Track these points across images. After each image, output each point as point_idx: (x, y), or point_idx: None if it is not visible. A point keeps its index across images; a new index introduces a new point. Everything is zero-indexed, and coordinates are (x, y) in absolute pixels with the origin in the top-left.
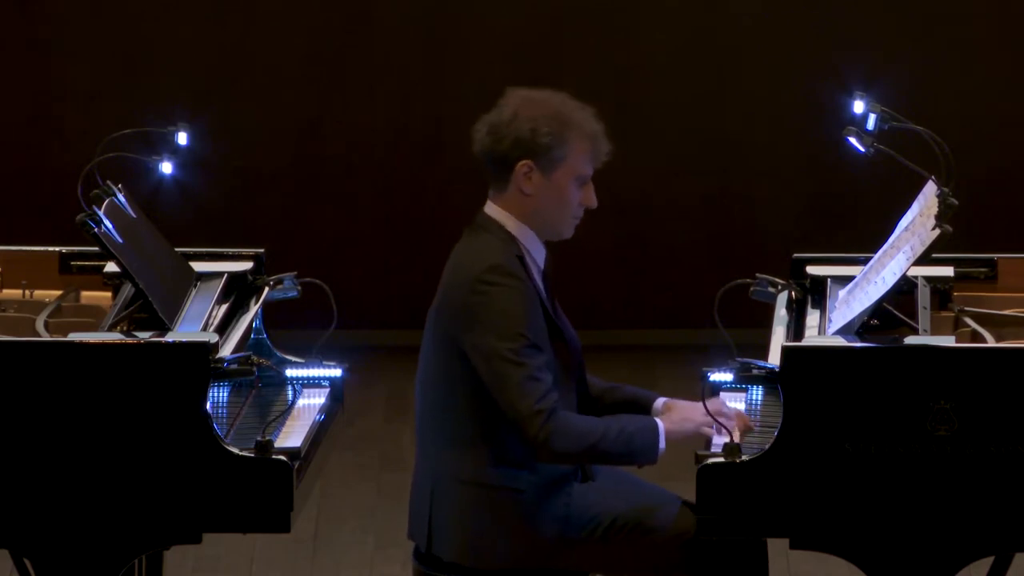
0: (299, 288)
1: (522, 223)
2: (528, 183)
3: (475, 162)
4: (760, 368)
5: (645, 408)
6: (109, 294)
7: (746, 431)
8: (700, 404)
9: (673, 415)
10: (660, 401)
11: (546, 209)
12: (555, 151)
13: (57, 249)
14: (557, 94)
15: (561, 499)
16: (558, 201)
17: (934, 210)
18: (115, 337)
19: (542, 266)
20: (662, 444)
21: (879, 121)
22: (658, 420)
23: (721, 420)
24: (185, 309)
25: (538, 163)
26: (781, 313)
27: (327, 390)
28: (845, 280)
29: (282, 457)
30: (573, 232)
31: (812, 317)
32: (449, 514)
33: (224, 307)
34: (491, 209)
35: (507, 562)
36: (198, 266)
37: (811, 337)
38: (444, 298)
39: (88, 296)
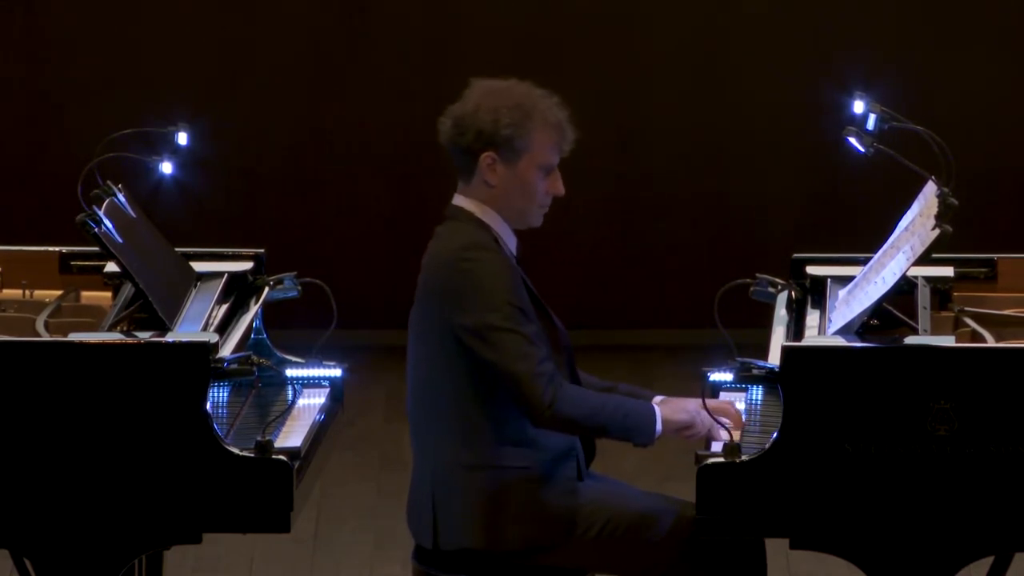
0: (299, 288)
1: (491, 211)
2: (492, 174)
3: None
4: (760, 368)
5: None
6: (109, 294)
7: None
8: (696, 399)
9: (671, 402)
10: (656, 400)
11: (512, 199)
12: (517, 142)
13: (57, 249)
14: (520, 83)
15: (567, 473)
16: (523, 191)
17: (934, 210)
18: (115, 337)
19: (515, 252)
20: (658, 427)
21: (879, 121)
22: (654, 405)
23: (720, 419)
24: (185, 309)
25: (501, 154)
26: (781, 313)
27: (327, 390)
28: (845, 280)
29: (282, 457)
30: (541, 221)
31: (812, 317)
32: (455, 503)
33: (224, 307)
34: (460, 200)
35: (519, 543)
36: (198, 266)
37: (811, 337)
38: (426, 286)
39: (88, 296)
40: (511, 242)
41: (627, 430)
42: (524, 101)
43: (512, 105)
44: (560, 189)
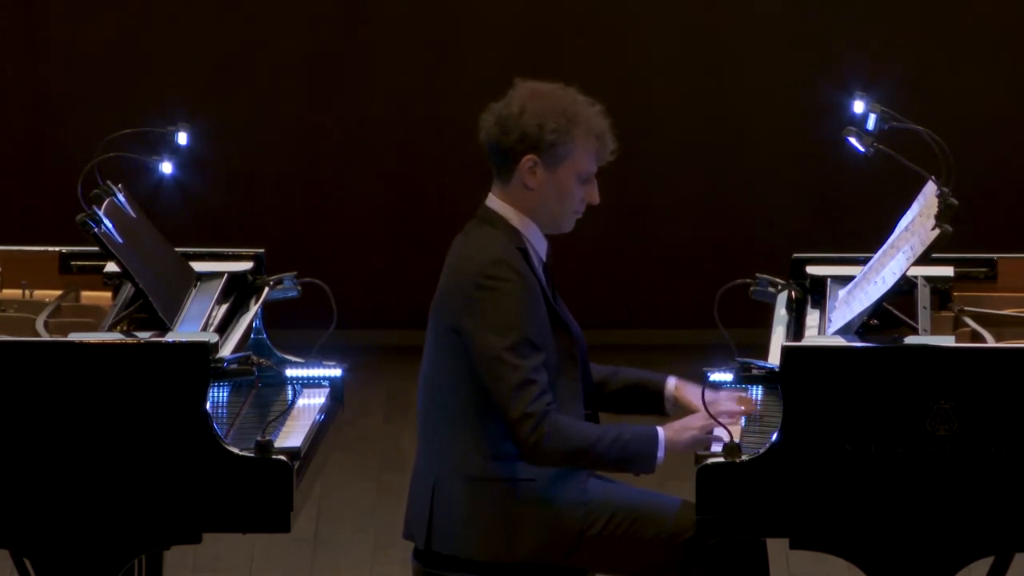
0: (299, 288)
1: (524, 216)
2: (532, 177)
3: (479, 152)
4: (760, 368)
5: (654, 392)
6: (109, 294)
7: (747, 409)
8: (703, 405)
9: (675, 423)
10: (672, 383)
11: (548, 204)
12: (560, 148)
13: (57, 249)
14: (567, 89)
15: (574, 486)
16: (560, 196)
17: (934, 210)
18: (115, 337)
19: (544, 258)
20: (661, 453)
21: (879, 121)
22: (659, 428)
23: (720, 419)
24: (185, 309)
25: (543, 158)
26: (781, 313)
27: (327, 390)
28: (845, 280)
29: (282, 457)
30: (573, 226)
31: (812, 317)
32: (455, 511)
33: (224, 307)
34: (493, 202)
35: (520, 554)
36: (198, 266)
37: (811, 337)
38: (446, 291)
39: (88, 296)
40: (541, 248)
41: (625, 462)
42: (571, 108)
43: (559, 111)
44: (595, 198)
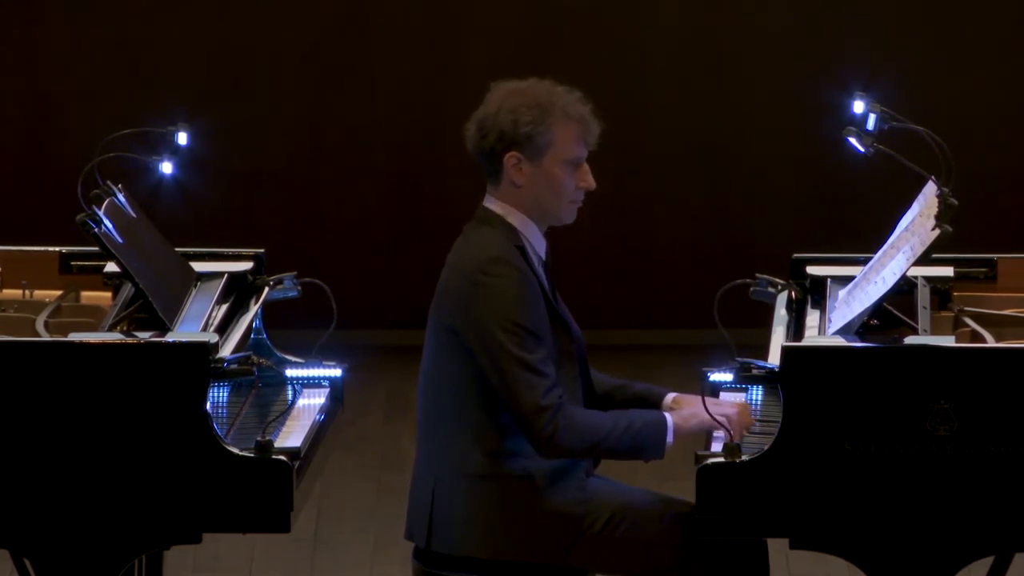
0: (299, 288)
1: (521, 214)
2: (519, 174)
3: (472, 159)
4: (760, 368)
5: (655, 405)
6: (109, 294)
7: (747, 425)
8: (709, 400)
9: (683, 410)
10: (670, 397)
11: (540, 197)
12: (539, 138)
13: (57, 249)
14: (541, 82)
15: (574, 478)
16: (551, 187)
17: (934, 210)
18: (115, 337)
19: (543, 256)
20: (670, 438)
21: (879, 121)
22: (667, 414)
23: (721, 419)
24: (185, 309)
25: (525, 152)
26: (781, 313)
27: (327, 390)
28: (845, 280)
29: (282, 457)
30: (575, 216)
31: (812, 317)
32: (455, 509)
33: (224, 307)
34: (490, 203)
35: (521, 552)
36: (198, 266)
37: (811, 337)
38: (444, 291)
39: (88, 296)
40: (540, 247)
41: (636, 450)
42: (544, 98)
43: (532, 103)
44: (590, 182)
